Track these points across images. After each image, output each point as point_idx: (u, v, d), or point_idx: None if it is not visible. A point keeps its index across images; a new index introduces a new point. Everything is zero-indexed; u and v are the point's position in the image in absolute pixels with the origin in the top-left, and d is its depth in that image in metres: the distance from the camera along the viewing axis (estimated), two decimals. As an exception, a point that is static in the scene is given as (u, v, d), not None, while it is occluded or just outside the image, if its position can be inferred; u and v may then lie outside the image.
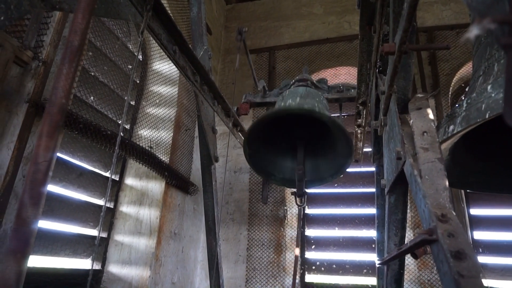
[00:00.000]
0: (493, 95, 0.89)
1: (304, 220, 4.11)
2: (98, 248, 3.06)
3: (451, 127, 1.07)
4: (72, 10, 1.15)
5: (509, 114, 0.36)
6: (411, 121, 1.09)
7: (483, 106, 0.90)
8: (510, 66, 0.35)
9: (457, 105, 1.11)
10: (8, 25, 0.97)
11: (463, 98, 4.21)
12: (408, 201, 1.36)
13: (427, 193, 0.87)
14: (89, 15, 0.62)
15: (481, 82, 1.11)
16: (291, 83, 2.32)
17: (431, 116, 1.04)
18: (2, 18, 0.94)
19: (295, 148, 1.91)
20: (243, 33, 1.85)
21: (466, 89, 3.97)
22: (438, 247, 0.74)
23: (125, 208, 3.27)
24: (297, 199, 1.80)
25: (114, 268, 3.06)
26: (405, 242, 1.30)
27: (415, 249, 0.88)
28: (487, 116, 0.89)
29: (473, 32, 0.36)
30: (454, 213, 0.83)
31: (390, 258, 1.18)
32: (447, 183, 0.88)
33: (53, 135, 0.51)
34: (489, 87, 0.93)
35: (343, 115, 4.15)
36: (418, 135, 1.00)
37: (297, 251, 3.32)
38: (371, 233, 3.86)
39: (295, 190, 1.82)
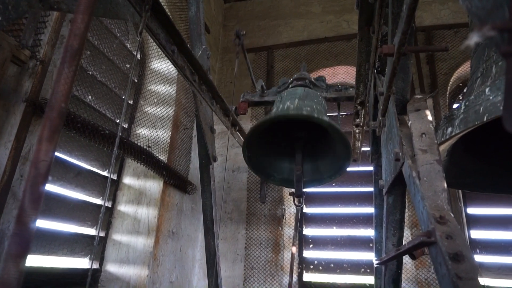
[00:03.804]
0: (491, 97, 0.90)
1: (302, 220, 4.11)
2: (96, 247, 3.05)
3: (449, 129, 1.08)
4: (70, 10, 1.14)
5: (508, 121, 0.36)
6: (410, 122, 1.10)
7: (481, 108, 0.91)
8: (510, 74, 0.36)
9: (455, 107, 1.11)
10: (6, 25, 0.97)
11: (460, 98, 4.23)
12: (406, 200, 1.37)
13: (426, 195, 0.87)
14: (89, 18, 0.62)
15: (479, 84, 1.11)
16: (289, 81, 2.32)
17: (430, 117, 1.04)
18: (0, 18, 0.94)
19: (294, 149, 1.92)
20: (241, 36, 1.79)
21: (464, 90, 3.98)
22: (436, 249, 0.74)
23: (123, 207, 3.26)
24: (295, 199, 1.81)
25: (112, 267, 3.06)
26: (403, 242, 1.30)
27: (413, 251, 0.88)
28: (485, 119, 0.89)
29: (473, 39, 0.36)
30: (452, 215, 0.83)
31: (388, 258, 1.19)
32: (445, 185, 0.88)
33: (53, 139, 0.51)
34: (487, 89, 0.94)
35: (341, 114, 4.16)
36: (417, 137, 1.00)
37: (293, 249, 3.33)
38: (369, 232, 3.87)
39: (293, 190, 1.83)
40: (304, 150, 1.93)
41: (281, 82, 2.50)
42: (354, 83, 2.13)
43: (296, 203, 1.84)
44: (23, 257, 0.51)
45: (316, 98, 1.94)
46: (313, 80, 2.38)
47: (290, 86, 2.39)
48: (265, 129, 1.84)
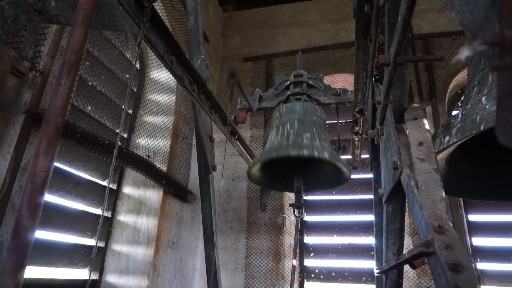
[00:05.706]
0: (487, 106, 0.90)
1: (303, 229, 4.09)
2: (96, 258, 3.03)
3: (447, 138, 1.08)
4: (69, 23, 1.15)
5: (501, 133, 0.37)
6: (408, 131, 1.10)
7: (478, 117, 0.91)
8: (501, 87, 0.36)
9: (453, 115, 1.12)
10: (5, 39, 0.97)
11: (459, 105, 4.24)
12: (406, 208, 1.36)
13: (424, 204, 0.87)
14: (86, 32, 0.62)
15: (476, 92, 1.12)
16: (286, 81, 2.37)
17: (427, 126, 1.05)
18: (-1, 32, 0.94)
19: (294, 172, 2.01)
20: (236, 76, 1.75)
21: (462, 98, 3.99)
22: (435, 259, 0.74)
23: (123, 217, 3.25)
24: (295, 210, 1.81)
25: (111, 278, 3.04)
26: (404, 250, 1.30)
27: (412, 261, 0.88)
28: (482, 128, 0.89)
29: (464, 53, 0.36)
30: (451, 224, 0.83)
31: (388, 268, 1.18)
32: (443, 193, 0.88)
33: (49, 154, 0.51)
34: (483, 98, 0.94)
35: (340, 122, 4.18)
36: (415, 146, 1.00)
37: (294, 261, 3.31)
38: (370, 240, 3.85)
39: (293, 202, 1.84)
40: (304, 174, 2.00)
41: (278, 82, 2.51)
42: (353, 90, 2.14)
43: (296, 214, 1.84)
44: (20, 272, 0.50)
45: (315, 114, 1.97)
46: (310, 82, 2.41)
47: (288, 92, 2.41)
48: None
